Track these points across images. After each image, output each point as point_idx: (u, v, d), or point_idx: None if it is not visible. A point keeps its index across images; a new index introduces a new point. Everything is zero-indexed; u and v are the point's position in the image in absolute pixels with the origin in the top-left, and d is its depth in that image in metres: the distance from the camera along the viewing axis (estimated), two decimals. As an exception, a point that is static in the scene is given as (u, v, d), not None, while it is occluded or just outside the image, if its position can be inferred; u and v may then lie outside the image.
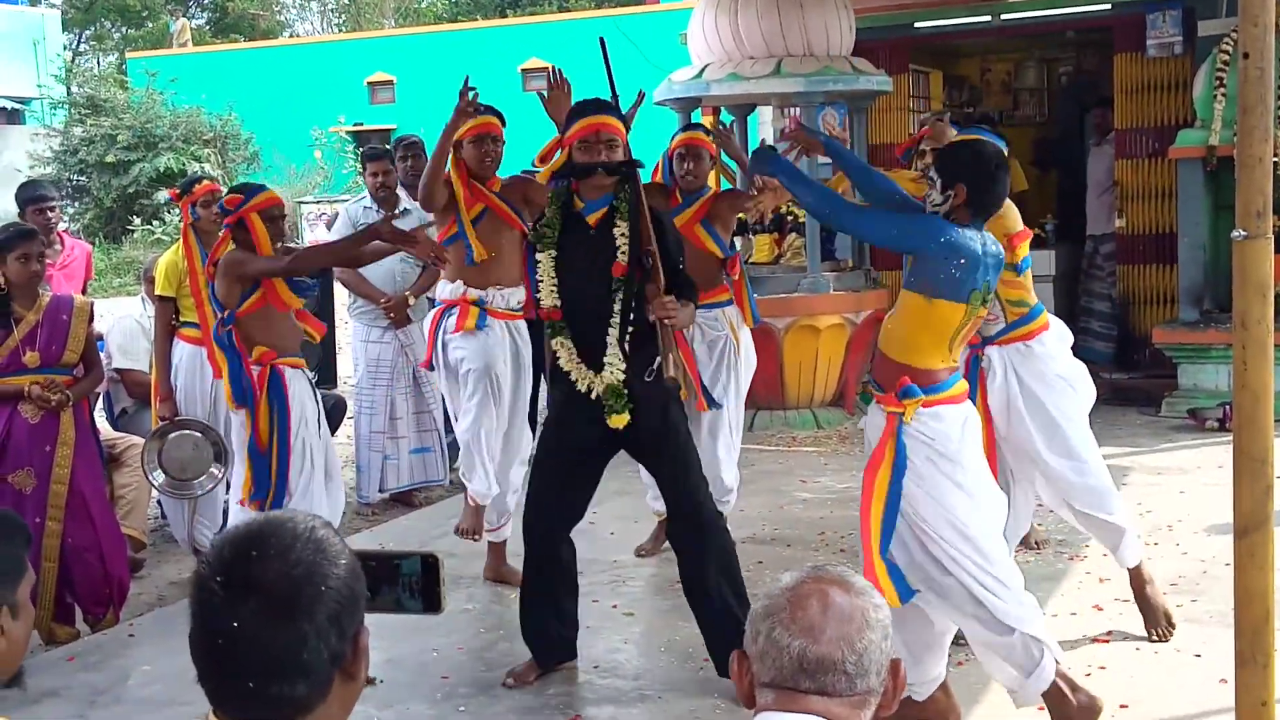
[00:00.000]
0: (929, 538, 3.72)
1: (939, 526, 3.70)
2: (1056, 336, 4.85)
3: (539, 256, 4.48)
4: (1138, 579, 4.80)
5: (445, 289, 5.63)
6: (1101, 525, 4.77)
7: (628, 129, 4.56)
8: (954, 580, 3.71)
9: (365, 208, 7.25)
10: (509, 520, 5.72)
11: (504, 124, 5.61)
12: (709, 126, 7.03)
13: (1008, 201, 4.41)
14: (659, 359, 4.40)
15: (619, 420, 4.38)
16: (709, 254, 5.89)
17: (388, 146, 7.57)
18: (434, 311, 5.71)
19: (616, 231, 4.40)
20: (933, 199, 3.80)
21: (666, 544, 6.22)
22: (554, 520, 4.62)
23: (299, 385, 4.99)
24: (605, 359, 4.38)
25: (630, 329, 4.38)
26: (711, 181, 6.40)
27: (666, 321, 4.34)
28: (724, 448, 5.96)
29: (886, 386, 3.81)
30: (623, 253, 4.37)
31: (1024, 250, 4.79)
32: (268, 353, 4.93)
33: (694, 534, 4.50)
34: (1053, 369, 4.76)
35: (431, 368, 5.80)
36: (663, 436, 4.49)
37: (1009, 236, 4.63)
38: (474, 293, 5.51)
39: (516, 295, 5.54)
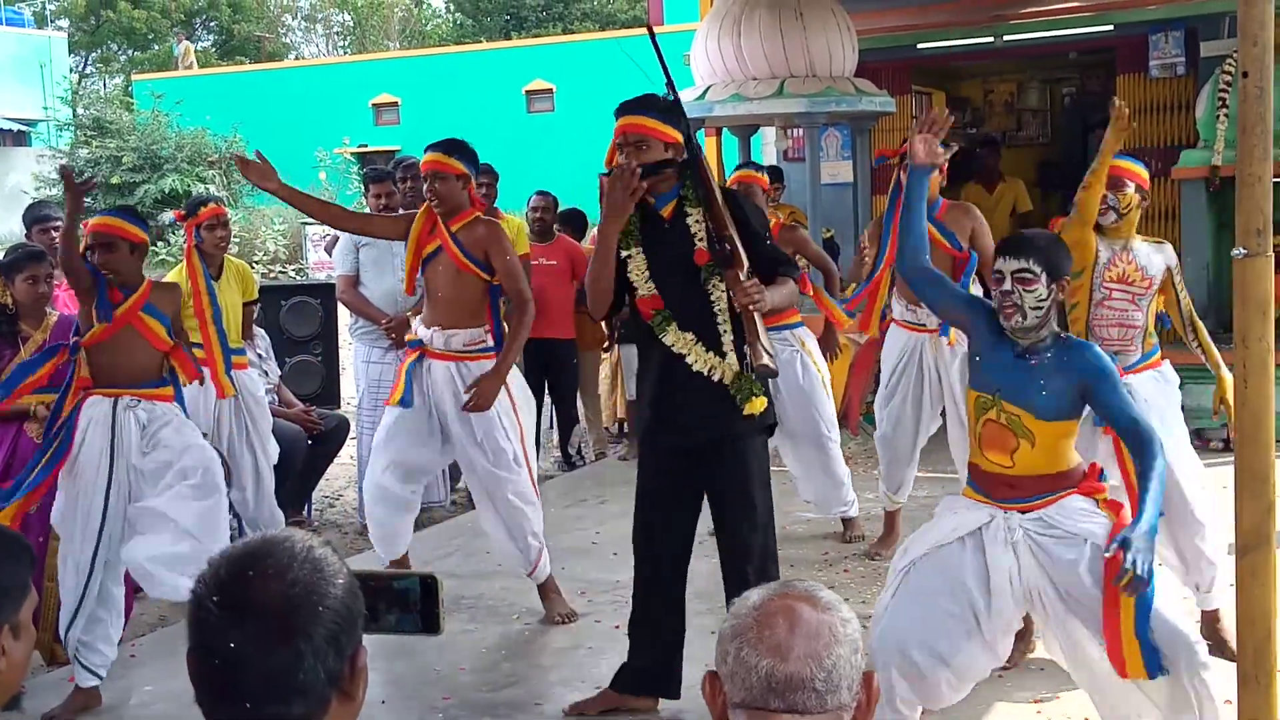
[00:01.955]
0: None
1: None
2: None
3: (625, 256, 4.33)
4: (1213, 619, 4.69)
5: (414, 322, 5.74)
6: (1196, 558, 4.61)
7: (683, 117, 4.36)
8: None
9: None
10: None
11: (466, 158, 5.43)
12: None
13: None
14: (766, 356, 4.22)
15: (758, 404, 4.26)
16: None
17: (391, 168, 7.59)
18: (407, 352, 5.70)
19: (690, 220, 4.30)
20: (1039, 294, 3.60)
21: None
22: (664, 543, 4.51)
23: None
24: (724, 347, 4.27)
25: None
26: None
27: (750, 306, 4.16)
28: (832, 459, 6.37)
29: (1039, 493, 3.65)
30: (700, 240, 4.27)
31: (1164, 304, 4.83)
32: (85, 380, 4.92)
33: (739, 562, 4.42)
34: (1178, 395, 4.79)
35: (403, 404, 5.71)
36: (741, 461, 4.35)
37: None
38: (421, 332, 5.56)
39: (459, 337, 5.45)
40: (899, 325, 6.09)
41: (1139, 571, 3.25)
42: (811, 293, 6.38)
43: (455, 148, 5.43)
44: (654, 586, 4.51)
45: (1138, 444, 3.55)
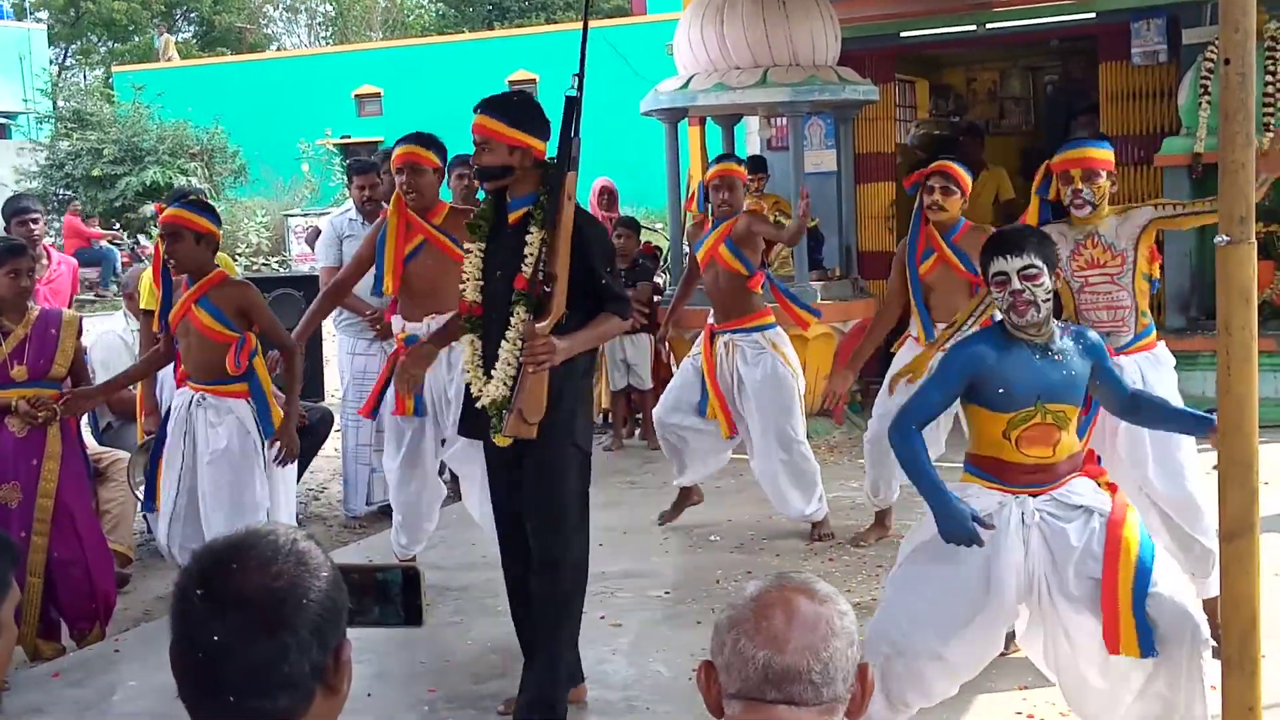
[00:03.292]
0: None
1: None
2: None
3: (468, 247, 4.25)
4: (1212, 608, 4.70)
5: (395, 322, 5.68)
6: (1191, 544, 4.61)
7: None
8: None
9: (350, 219, 7.23)
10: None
11: (439, 151, 5.45)
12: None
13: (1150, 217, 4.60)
14: (512, 413, 4.05)
15: (503, 440, 4.13)
16: (737, 274, 6.18)
17: (374, 159, 7.56)
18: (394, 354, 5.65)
19: (529, 239, 4.09)
20: (1046, 286, 3.66)
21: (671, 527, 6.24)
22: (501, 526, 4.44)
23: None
24: (494, 370, 4.13)
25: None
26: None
27: (529, 368, 3.98)
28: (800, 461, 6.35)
29: (1060, 477, 3.70)
30: (527, 264, 4.07)
31: (1155, 268, 4.82)
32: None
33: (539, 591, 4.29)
34: (1172, 375, 4.78)
35: (373, 416, 5.81)
36: (538, 478, 4.19)
37: (1150, 250, 4.70)
38: (410, 327, 5.49)
39: None
40: (916, 342, 5.89)
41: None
42: (766, 288, 6.47)
43: (429, 141, 5.43)
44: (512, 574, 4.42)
45: (1140, 404, 3.83)
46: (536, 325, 3.97)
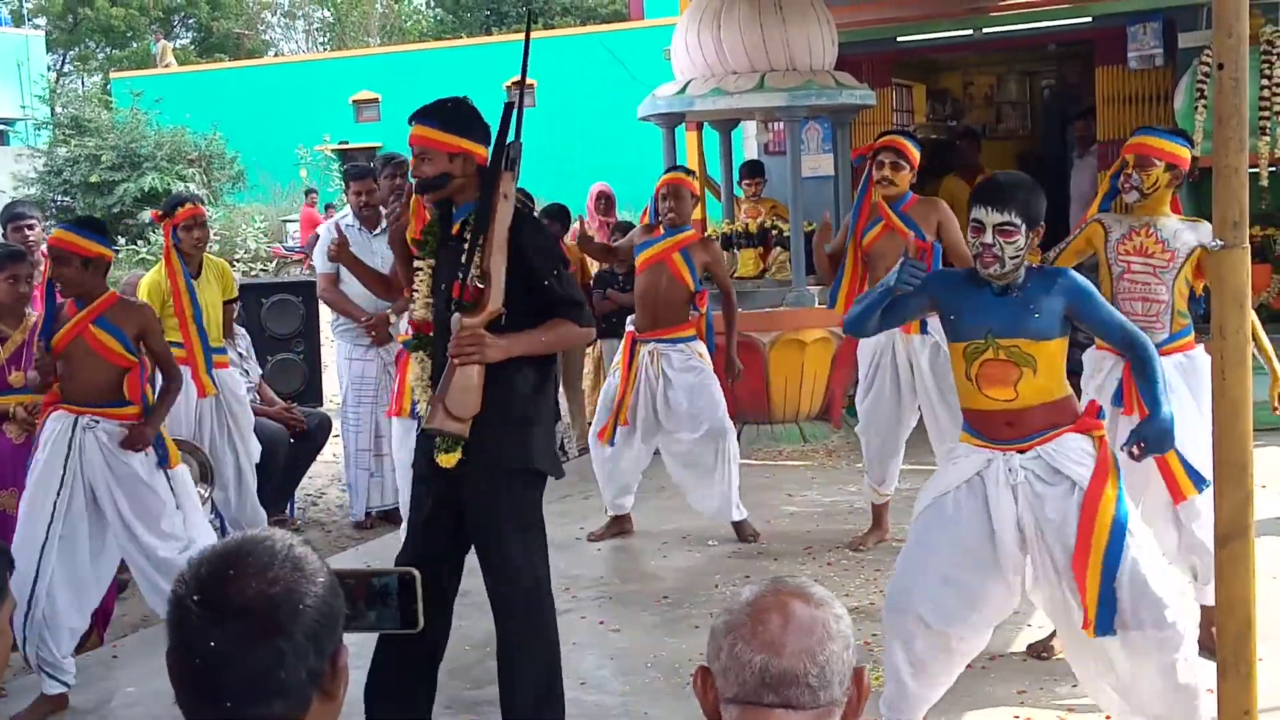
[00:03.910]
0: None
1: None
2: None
3: (417, 265, 4.02)
4: (1211, 616, 4.63)
5: (401, 323, 5.67)
6: (1196, 543, 4.55)
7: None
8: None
9: (347, 226, 7.24)
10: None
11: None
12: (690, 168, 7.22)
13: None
14: (435, 409, 3.79)
15: (448, 460, 3.82)
16: (682, 284, 6.22)
17: (371, 165, 7.57)
18: (399, 355, 5.66)
19: (465, 248, 3.84)
20: (1018, 244, 3.70)
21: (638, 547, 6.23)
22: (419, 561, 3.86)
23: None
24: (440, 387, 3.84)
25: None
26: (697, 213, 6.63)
27: (455, 358, 3.74)
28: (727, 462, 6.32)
29: (1039, 429, 3.72)
30: (471, 274, 3.80)
31: (1200, 285, 4.76)
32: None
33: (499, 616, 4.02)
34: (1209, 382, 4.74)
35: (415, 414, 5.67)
36: (484, 503, 3.91)
37: (1196, 268, 4.66)
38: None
39: None
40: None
41: (1159, 449, 3.73)
42: (701, 311, 6.48)
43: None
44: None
45: (1130, 348, 3.79)
46: (465, 320, 3.75)
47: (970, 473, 3.76)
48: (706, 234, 6.57)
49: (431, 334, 4.00)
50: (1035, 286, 3.75)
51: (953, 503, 3.76)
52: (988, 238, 3.67)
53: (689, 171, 6.80)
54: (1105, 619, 3.52)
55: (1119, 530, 3.56)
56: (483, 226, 3.79)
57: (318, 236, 7.60)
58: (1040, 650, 4.75)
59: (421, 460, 4.00)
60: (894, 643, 3.82)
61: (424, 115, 3.97)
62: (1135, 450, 3.73)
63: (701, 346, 6.47)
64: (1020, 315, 3.70)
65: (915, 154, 5.93)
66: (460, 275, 3.80)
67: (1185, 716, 3.60)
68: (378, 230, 7.17)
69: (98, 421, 4.80)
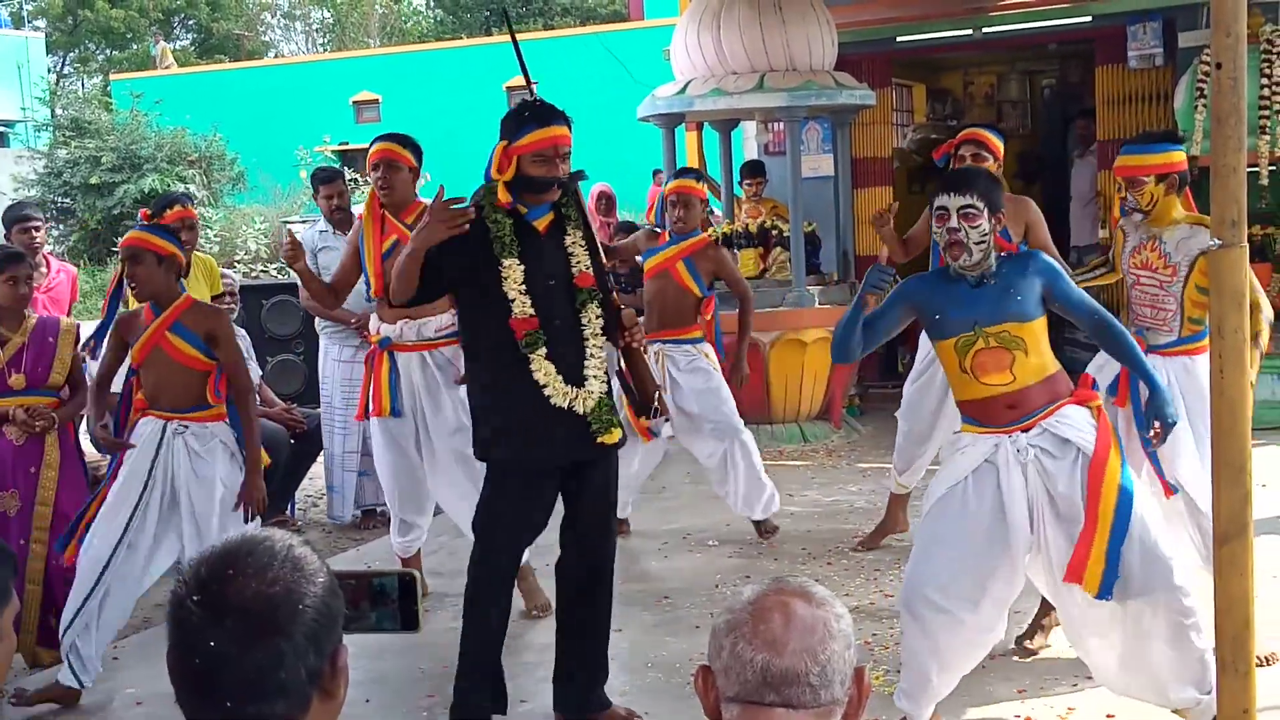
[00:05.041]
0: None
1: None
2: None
3: (505, 264, 4.09)
4: None
5: (372, 321, 5.68)
6: (1198, 544, 4.58)
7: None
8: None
9: (321, 231, 7.21)
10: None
11: (416, 152, 5.42)
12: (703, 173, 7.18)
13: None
14: (655, 394, 4.37)
15: (615, 435, 4.18)
16: (688, 291, 6.23)
17: (339, 167, 7.51)
18: (370, 355, 5.64)
19: (568, 240, 4.19)
20: (982, 229, 3.81)
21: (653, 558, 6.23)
22: (519, 547, 4.40)
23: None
24: (587, 373, 4.15)
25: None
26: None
27: (635, 345, 4.22)
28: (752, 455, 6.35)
29: (1039, 405, 3.80)
30: (583, 264, 4.19)
31: None
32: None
33: (588, 580, 4.35)
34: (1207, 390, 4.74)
35: (395, 414, 5.53)
36: (605, 484, 4.31)
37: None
38: (385, 329, 5.51)
39: (430, 325, 5.46)
40: None
41: (1170, 423, 3.84)
42: (709, 317, 6.51)
43: (406, 141, 5.43)
44: (500, 607, 4.34)
45: (1104, 330, 3.91)
46: (628, 311, 4.24)
47: (979, 460, 3.84)
48: (710, 236, 6.51)
49: (538, 330, 4.10)
50: (1010, 271, 3.87)
51: (963, 492, 3.85)
52: (953, 222, 3.80)
53: (699, 176, 6.73)
54: (1108, 583, 3.61)
55: (1125, 498, 3.65)
56: (588, 227, 4.21)
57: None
58: (1023, 642, 4.77)
59: (541, 451, 4.16)
60: (913, 631, 3.88)
61: (557, 115, 4.14)
62: (1155, 430, 3.86)
63: (708, 348, 6.46)
64: (1001, 301, 3.81)
65: (999, 145, 5.63)
66: (580, 270, 4.17)
67: (1195, 682, 3.66)
68: (351, 232, 7.14)
69: (186, 426, 4.87)
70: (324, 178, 7.27)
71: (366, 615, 1.78)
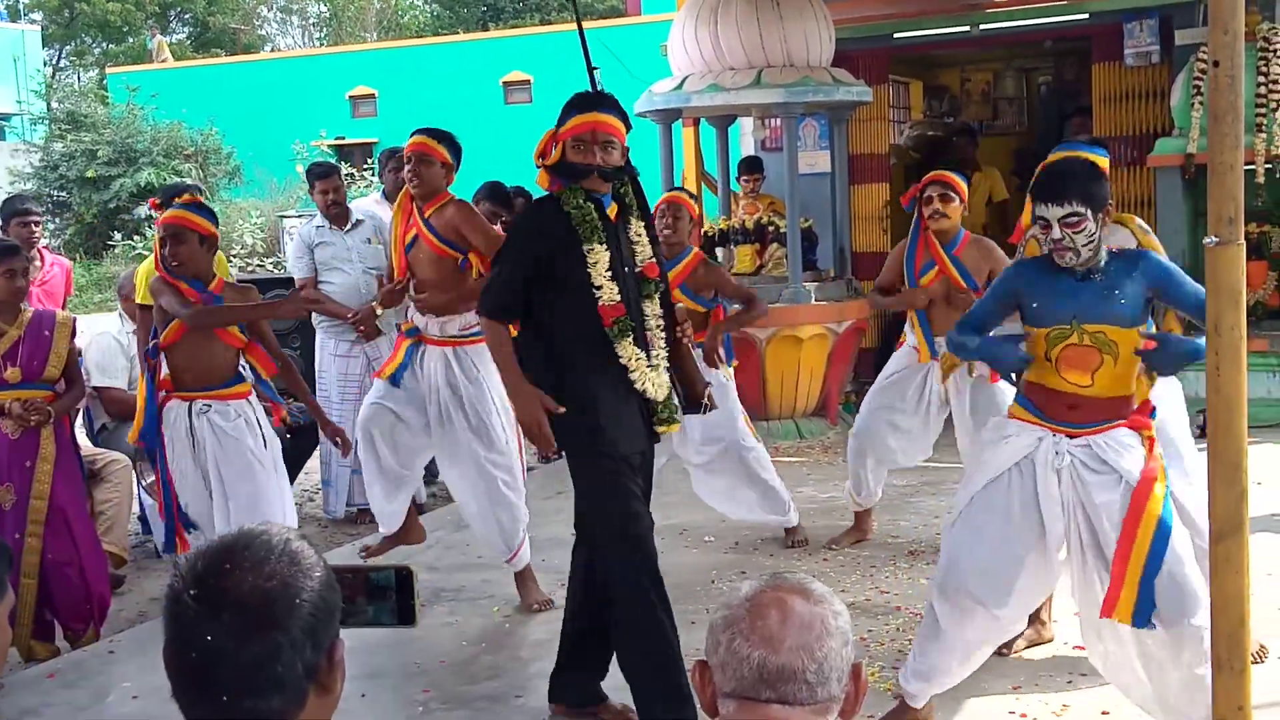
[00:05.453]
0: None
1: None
2: None
3: (594, 249, 4.03)
4: None
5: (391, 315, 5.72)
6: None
7: (628, 127, 4.15)
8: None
9: (318, 227, 7.21)
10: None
11: (453, 148, 5.40)
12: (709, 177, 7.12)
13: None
14: (707, 389, 4.39)
15: (675, 427, 4.23)
16: (693, 310, 6.16)
17: (334, 162, 7.52)
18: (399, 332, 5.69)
19: (632, 230, 4.18)
20: (1089, 231, 3.70)
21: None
22: (652, 541, 4.24)
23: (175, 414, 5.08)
24: (655, 363, 4.13)
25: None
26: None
27: (685, 340, 4.28)
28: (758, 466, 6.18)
29: (1098, 419, 3.77)
30: (648, 253, 4.21)
31: None
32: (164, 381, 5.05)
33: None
34: (1181, 397, 4.75)
35: (393, 380, 5.52)
36: (653, 464, 4.36)
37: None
38: (416, 318, 5.52)
39: (454, 324, 5.45)
40: (915, 351, 5.84)
41: (1161, 355, 3.66)
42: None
43: (443, 136, 5.44)
44: (655, 584, 4.25)
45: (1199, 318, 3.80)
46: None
47: (1021, 454, 3.83)
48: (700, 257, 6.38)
49: (626, 316, 4.09)
50: (1117, 270, 3.76)
51: (1005, 487, 3.84)
52: (1056, 234, 3.69)
53: (691, 195, 6.69)
54: (1144, 612, 3.59)
55: (1164, 531, 3.62)
56: (649, 216, 4.22)
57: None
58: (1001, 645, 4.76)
59: (629, 443, 4.12)
60: (949, 620, 3.90)
61: (610, 105, 4.10)
62: (1151, 343, 3.70)
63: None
64: (1105, 300, 3.72)
65: (963, 186, 5.72)
66: (648, 260, 4.19)
67: (1204, 716, 3.63)
68: (348, 226, 7.15)
69: (209, 405, 5.04)
70: (320, 173, 7.26)
71: (363, 609, 1.78)
